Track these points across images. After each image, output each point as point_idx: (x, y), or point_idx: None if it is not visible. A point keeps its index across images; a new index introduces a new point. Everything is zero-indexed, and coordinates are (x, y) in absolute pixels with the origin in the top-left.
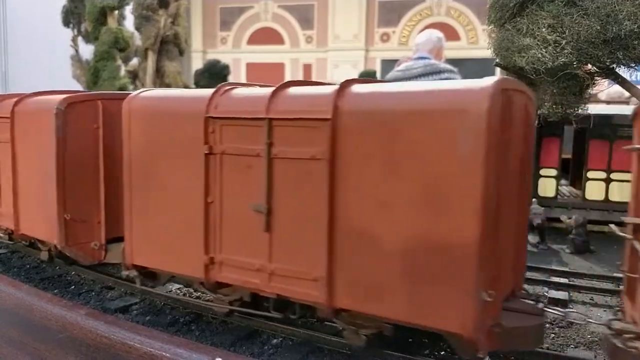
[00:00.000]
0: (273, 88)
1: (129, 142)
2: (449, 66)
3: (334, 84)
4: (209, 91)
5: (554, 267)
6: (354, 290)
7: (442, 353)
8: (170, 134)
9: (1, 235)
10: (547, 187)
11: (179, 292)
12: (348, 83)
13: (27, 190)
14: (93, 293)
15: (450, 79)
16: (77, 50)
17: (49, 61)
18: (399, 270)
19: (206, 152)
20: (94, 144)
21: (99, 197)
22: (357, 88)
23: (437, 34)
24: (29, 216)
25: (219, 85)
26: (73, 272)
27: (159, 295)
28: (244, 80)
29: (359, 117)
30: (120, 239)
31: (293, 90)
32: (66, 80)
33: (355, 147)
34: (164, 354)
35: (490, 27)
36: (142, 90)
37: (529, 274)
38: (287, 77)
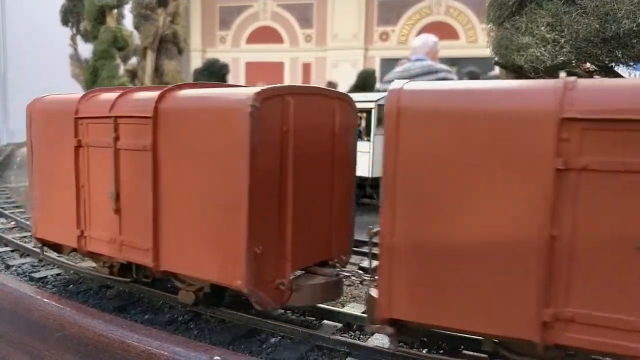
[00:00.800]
0: None
1: (396, 151)
2: (445, 67)
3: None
4: (542, 83)
5: None
6: None
7: (441, 352)
8: (475, 141)
9: (96, 266)
10: None
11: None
12: None
13: (179, 214)
14: (91, 292)
15: (446, 78)
16: (76, 49)
17: (47, 60)
18: None
19: (559, 167)
20: (283, 152)
21: (286, 221)
22: None
23: (432, 38)
24: (182, 249)
25: (566, 77)
26: (72, 272)
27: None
28: (242, 81)
29: None
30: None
31: None
32: (65, 80)
33: None
34: (162, 352)
35: (489, 25)
36: (405, 82)
37: None
38: (287, 76)
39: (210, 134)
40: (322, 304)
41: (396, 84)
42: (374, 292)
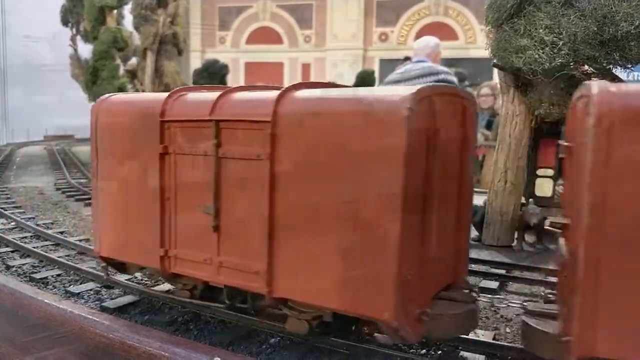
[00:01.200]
0: None
1: (606, 164)
2: (445, 68)
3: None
4: None
5: (551, 267)
6: None
7: (440, 352)
8: None
9: (171, 288)
10: (544, 187)
11: None
12: None
13: (302, 232)
14: (92, 292)
15: (446, 80)
16: (75, 50)
17: (47, 60)
18: None
19: None
20: (427, 161)
21: (429, 241)
22: None
23: (434, 40)
24: (303, 273)
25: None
26: (72, 272)
27: None
28: (242, 81)
29: None
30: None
31: None
32: (65, 80)
33: None
34: (162, 353)
35: (487, 27)
36: (607, 84)
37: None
38: (286, 77)
39: (350, 140)
40: (462, 335)
41: (597, 86)
42: (536, 324)
